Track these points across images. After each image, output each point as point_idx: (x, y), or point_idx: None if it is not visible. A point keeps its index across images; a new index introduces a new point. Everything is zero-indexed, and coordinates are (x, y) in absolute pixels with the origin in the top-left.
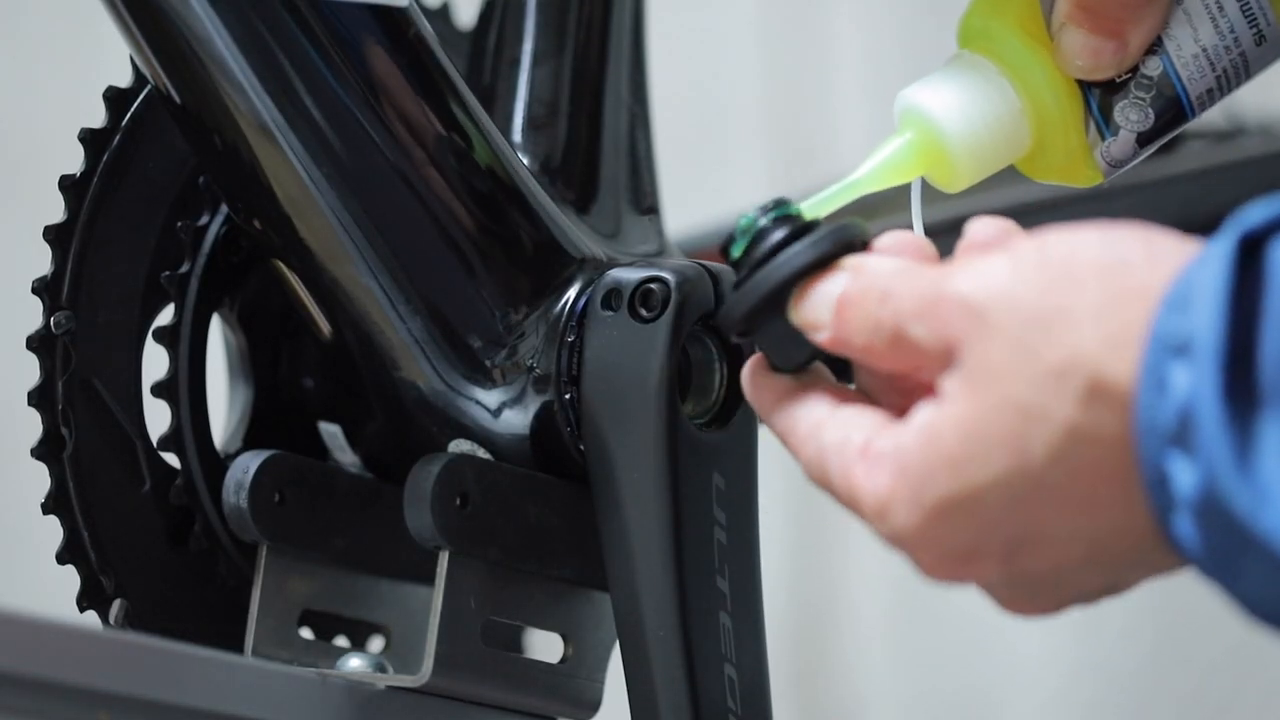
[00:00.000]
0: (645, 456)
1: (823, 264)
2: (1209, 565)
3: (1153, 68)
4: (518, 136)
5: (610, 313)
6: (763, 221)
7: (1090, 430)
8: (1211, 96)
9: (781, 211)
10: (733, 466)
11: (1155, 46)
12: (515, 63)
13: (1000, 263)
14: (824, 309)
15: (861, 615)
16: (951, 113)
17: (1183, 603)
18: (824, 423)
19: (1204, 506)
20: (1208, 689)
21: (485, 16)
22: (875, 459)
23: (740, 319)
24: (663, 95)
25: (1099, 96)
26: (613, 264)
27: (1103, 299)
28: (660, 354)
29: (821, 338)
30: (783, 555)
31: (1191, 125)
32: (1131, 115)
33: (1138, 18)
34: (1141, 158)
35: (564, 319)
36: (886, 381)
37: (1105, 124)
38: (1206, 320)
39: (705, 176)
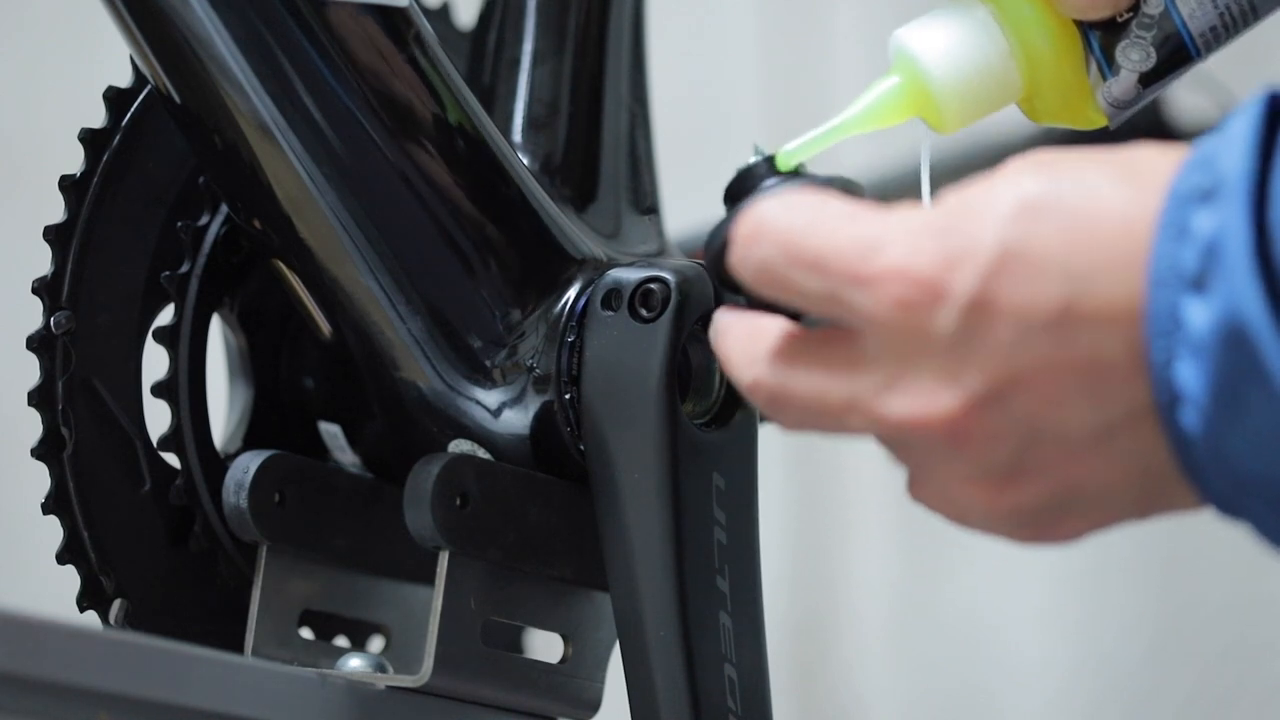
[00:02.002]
0: (645, 456)
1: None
2: (1208, 413)
3: (1154, 5)
4: (518, 136)
5: (610, 313)
6: (750, 162)
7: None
8: (1216, 35)
9: (765, 161)
10: (733, 466)
11: None
12: (515, 63)
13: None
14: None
15: (861, 615)
16: (936, 55)
17: (1183, 602)
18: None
19: (1220, 341)
20: (1208, 688)
21: (485, 16)
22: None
23: (709, 264)
24: (663, 95)
25: (1100, 37)
26: (613, 264)
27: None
28: (660, 354)
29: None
30: (783, 555)
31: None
32: (1133, 55)
33: None
34: (1146, 100)
35: (564, 319)
36: None
37: (1107, 64)
38: (1235, 161)
39: (705, 176)
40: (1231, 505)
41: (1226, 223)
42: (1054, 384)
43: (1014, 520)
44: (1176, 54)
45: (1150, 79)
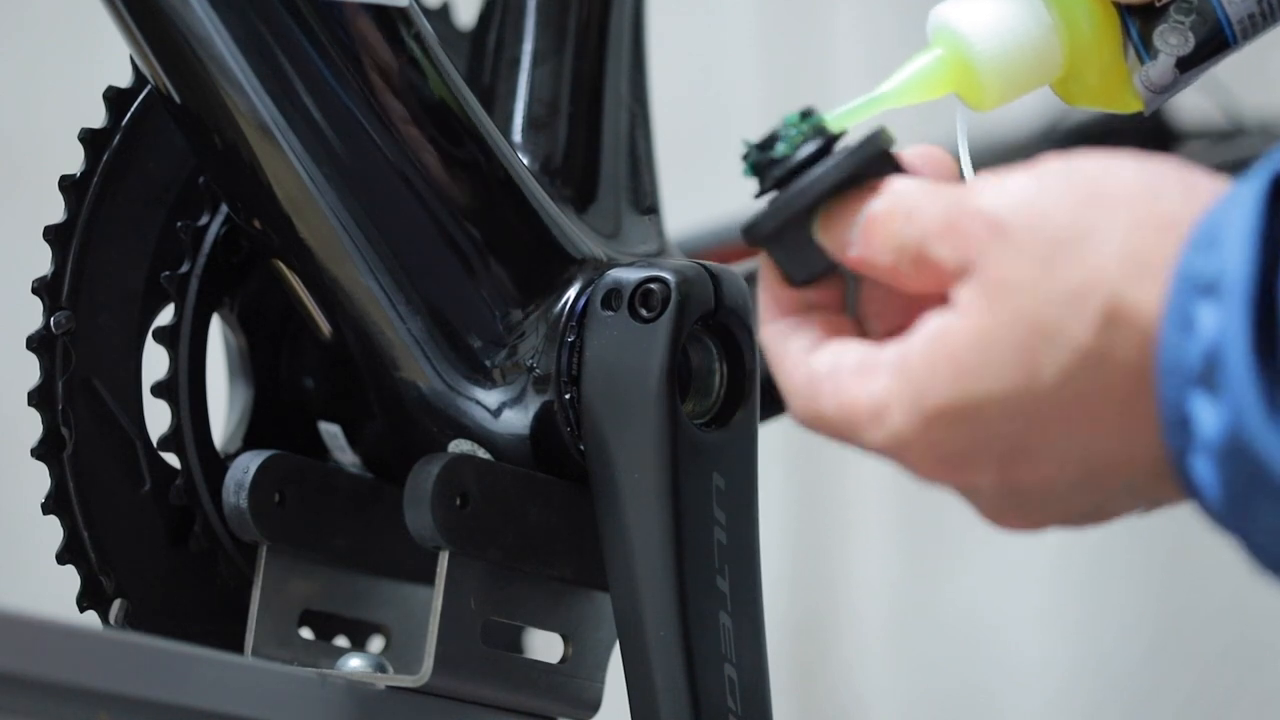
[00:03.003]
0: (645, 456)
1: (852, 182)
2: (1223, 508)
3: None
4: (518, 136)
5: (610, 313)
6: (793, 133)
7: (1104, 354)
8: (1254, 23)
9: (813, 123)
10: (733, 466)
11: None
12: (515, 63)
13: (1025, 179)
14: (851, 228)
15: (861, 615)
16: (981, 29)
17: (1182, 602)
18: (815, 349)
19: (1227, 449)
20: (1208, 689)
21: (485, 16)
22: (873, 368)
23: (767, 235)
24: (663, 95)
25: (1138, 21)
26: (613, 264)
27: (1131, 223)
28: (660, 354)
29: (847, 256)
30: (783, 555)
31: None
32: (1171, 39)
33: None
34: (1183, 86)
35: (564, 319)
36: (894, 309)
37: (1144, 48)
38: (1236, 260)
39: (705, 176)
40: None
41: (1228, 327)
42: (1077, 419)
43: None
44: (1214, 39)
45: (1188, 64)
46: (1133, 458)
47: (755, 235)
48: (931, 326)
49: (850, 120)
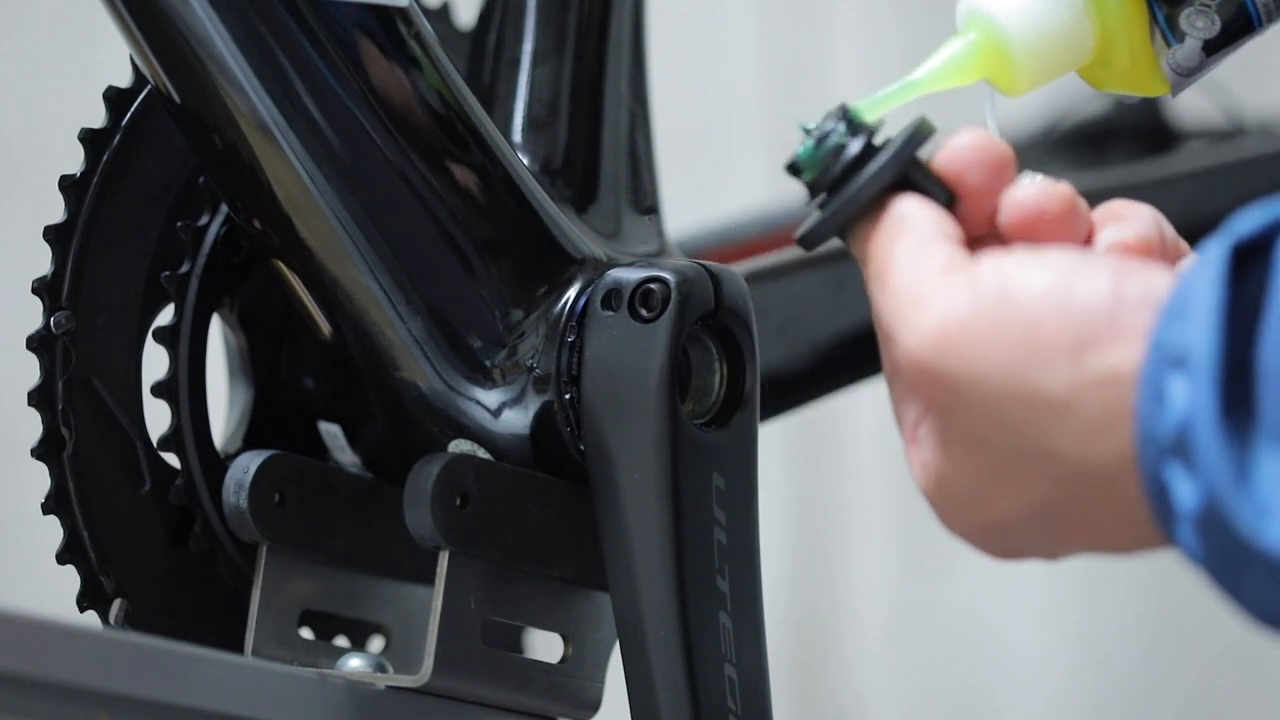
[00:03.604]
0: (645, 456)
1: (896, 188)
2: (1212, 573)
3: None
4: (518, 136)
5: (610, 313)
6: (838, 135)
7: (1079, 486)
8: (1277, 4)
9: (852, 120)
10: (733, 466)
11: None
12: (515, 63)
13: (962, 312)
14: (859, 242)
15: (861, 615)
16: (1014, 13)
17: (1182, 602)
18: None
19: (1204, 519)
20: (1208, 689)
21: (485, 16)
22: (915, 458)
23: (823, 238)
24: (663, 95)
25: (1164, 5)
26: (613, 264)
27: (1072, 389)
28: (660, 354)
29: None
30: (783, 555)
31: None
32: (1198, 22)
33: None
34: (1210, 68)
35: (564, 319)
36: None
37: (1171, 31)
38: (1202, 335)
39: (705, 176)
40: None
41: (1196, 405)
42: (1088, 524)
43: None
44: (1239, 19)
45: (1214, 46)
46: (1144, 532)
47: (812, 243)
48: (926, 460)
49: (883, 108)
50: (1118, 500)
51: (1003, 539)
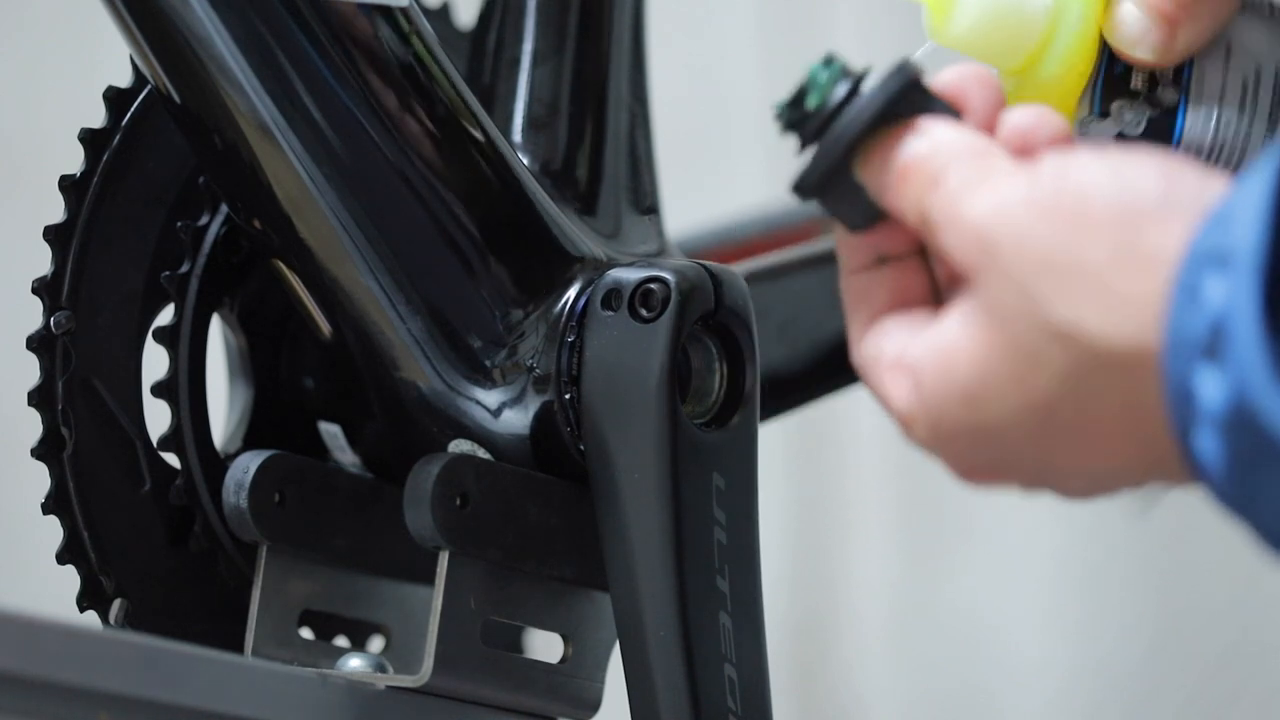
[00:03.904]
0: (645, 456)
1: (885, 119)
2: (1227, 485)
3: (1168, 99)
4: (518, 136)
5: (610, 313)
6: (821, 80)
7: (1090, 379)
8: (1199, 150)
9: (838, 67)
10: (733, 466)
11: (1182, 86)
12: (515, 63)
13: (1017, 192)
14: (887, 172)
15: (861, 615)
16: None
17: (1182, 602)
18: (871, 325)
19: (1231, 419)
20: (1208, 689)
21: (485, 16)
22: (902, 371)
23: (814, 187)
24: (663, 95)
25: (1109, 81)
26: (613, 264)
27: (1111, 260)
28: (660, 354)
29: (885, 200)
30: (783, 555)
31: None
32: (1127, 115)
33: (1194, 15)
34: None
35: (564, 319)
36: None
37: (1099, 103)
38: (1247, 231)
39: (705, 176)
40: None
41: (1235, 299)
42: (1089, 433)
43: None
44: (1161, 138)
45: (1124, 139)
46: (1150, 449)
47: (804, 189)
48: (940, 340)
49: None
50: (1130, 402)
51: (991, 449)
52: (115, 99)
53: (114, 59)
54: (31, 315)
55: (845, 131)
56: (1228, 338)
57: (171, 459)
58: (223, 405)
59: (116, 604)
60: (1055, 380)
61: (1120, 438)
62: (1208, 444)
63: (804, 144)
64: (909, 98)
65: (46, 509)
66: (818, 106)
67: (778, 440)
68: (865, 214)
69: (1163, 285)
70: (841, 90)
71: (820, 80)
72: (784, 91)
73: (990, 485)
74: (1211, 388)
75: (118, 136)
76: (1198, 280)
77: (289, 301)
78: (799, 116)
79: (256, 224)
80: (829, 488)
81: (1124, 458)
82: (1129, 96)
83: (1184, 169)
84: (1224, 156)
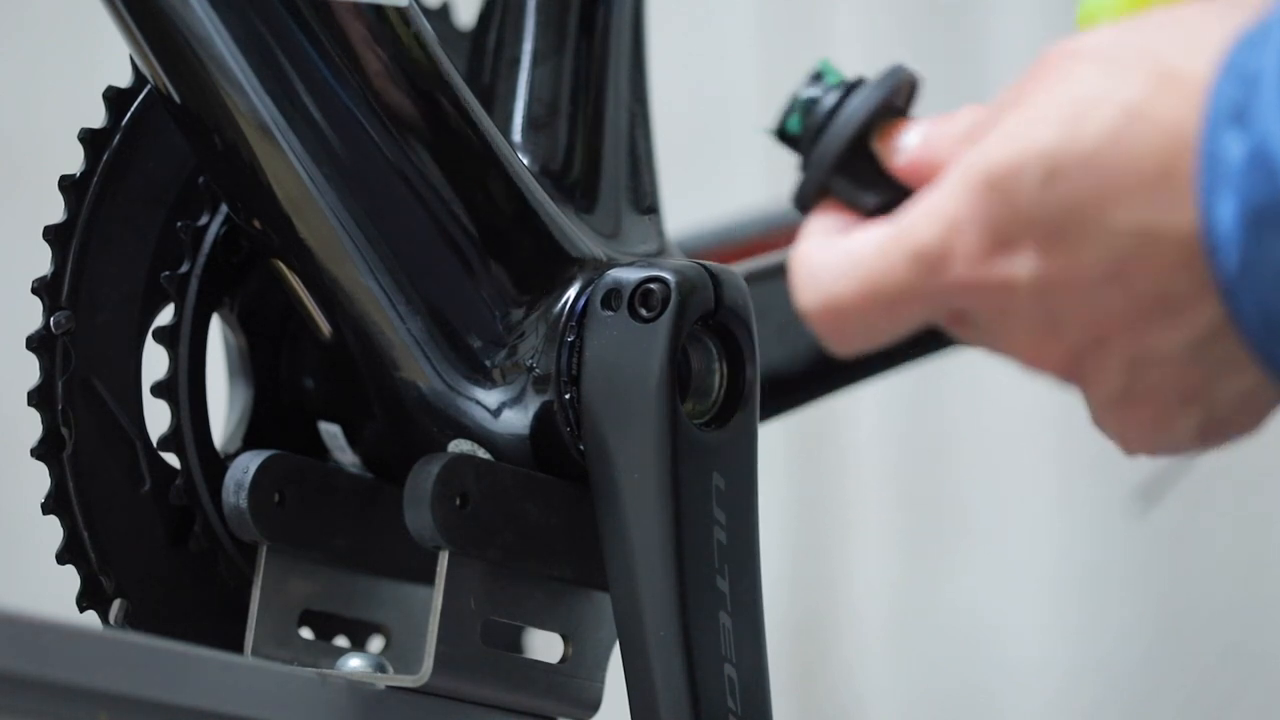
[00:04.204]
0: (645, 456)
1: (893, 107)
2: (1238, 248)
3: None
4: (518, 136)
5: (610, 313)
6: (812, 90)
7: (1149, 112)
8: None
9: (831, 80)
10: (733, 466)
11: None
12: (515, 63)
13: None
14: (912, 134)
15: (861, 615)
16: None
17: (1183, 603)
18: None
19: (1249, 167)
20: (1207, 690)
21: (485, 16)
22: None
23: (824, 174)
24: (663, 95)
25: None
26: (613, 264)
27: (1198, 21)
28: (660, 354)
29: (910, 150)
30: (783, 555)
31: None
32: None
33: None
34: None
35: (564, 319)
36: None
37: None
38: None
39: (705, 176)
40: (1272, 358)
41: (1265, 60)
42: (1134, 327)
43: (1181, 438)
44: None
45: None
46: (1164, 235)
47: (810, 185)
48: (973, 115)
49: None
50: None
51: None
52: (115, 99)
53: (114, 59)
54: (31, 315)
55: (852, 119)
56: (1256, 91)
57: (171, 459)
58: (223, 405)
59: (116, 604)
60: (1111, 108)
61: (1143, 200)
62: (1224, 209)
63: (805, 154)
64: (910, 93)
65: (46, 509)
66: (802, 125)
67: (778, 440)
68: (878, 197)
69: (1213, 68)
70: (834, 96)
71: (813, 91)
72: (782, 100)
73: (996, 277)
74: (1236, 146)
75: (118, 136)
76: (1240, 58)
77: (289, 301)
78: (791, 135)
79: (256, 224)
80: (829, 488)
81: (1140, 225)
82: None
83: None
84: None
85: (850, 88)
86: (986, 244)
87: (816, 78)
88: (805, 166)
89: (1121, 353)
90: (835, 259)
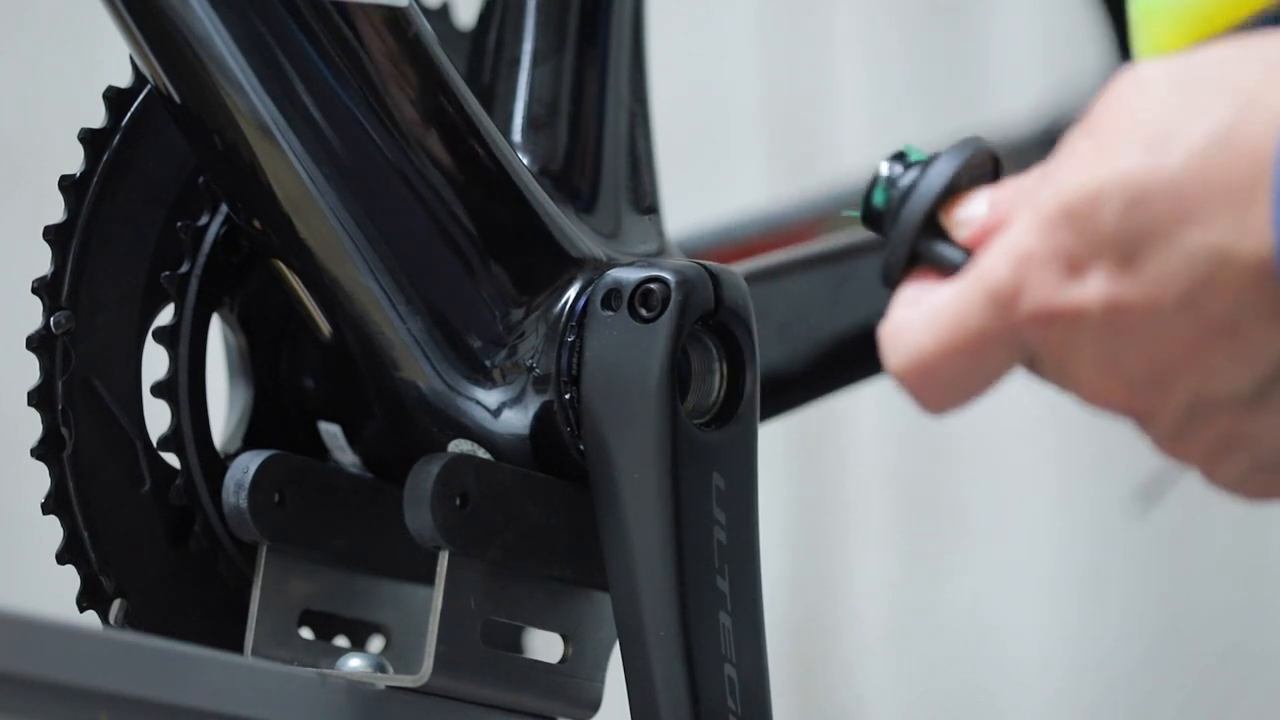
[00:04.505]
0: (645, 456)
1: (965, 175)
2: None
3: None
4: (518, 136)
5: (610, 313)
6: (893, 169)
7: (1234, 136)
8: None
9: (910, 159)
10: (733, 466)
11: None
12: (515, 63)
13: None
14: (978, 203)
15: (861, 615)
16: None
17: (1183, 603)
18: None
19: None
20: (1207, 691)
21: (485, 16)
22: (995, 209)
23: (903, 252)
24: (663, 95)
25: None
26: (613, 264)
27: (1272, 55)
28: (660, 354)
29: (977, 220)
30: (783, 555)
31: None
32: None
33: None
34: None
35: (564, 319)
36: None
37: None
38: None
39: (705, 176)
40: None
41: None
42: (1202, 360)
43: (1226, 479)
44: None
45: None
46: (1238, 256)
47: (889, 274)
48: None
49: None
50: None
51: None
52: (115, 99)
53: (114, 59)
54: (31, 315)
55: (932, 183)
56: None
57: (171, 459)
58: (223, 405)
59: (116, 604)
60: (1197, 131)
61: (1221, 217)
62: None
63: (888, 229)
64: (988, 165)
65: (46, 509)
66: (885, 201)
67: (778, 440)
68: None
69: None
70: (912, 175)
71: (883, 176)
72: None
73: (1066, 303)
74: None
75: (118, 136)
76: None
77: (289, 301)
78: (873, 212)
79: (256, 224)
80: (829, 488)
81: (1214, 246)
82: None
83: None
84: None
85: (928, 165)
86: (1059, 273)
87: (899, 156)
88: (886, 245)
89: (1184, 391)
90: (919, 315)
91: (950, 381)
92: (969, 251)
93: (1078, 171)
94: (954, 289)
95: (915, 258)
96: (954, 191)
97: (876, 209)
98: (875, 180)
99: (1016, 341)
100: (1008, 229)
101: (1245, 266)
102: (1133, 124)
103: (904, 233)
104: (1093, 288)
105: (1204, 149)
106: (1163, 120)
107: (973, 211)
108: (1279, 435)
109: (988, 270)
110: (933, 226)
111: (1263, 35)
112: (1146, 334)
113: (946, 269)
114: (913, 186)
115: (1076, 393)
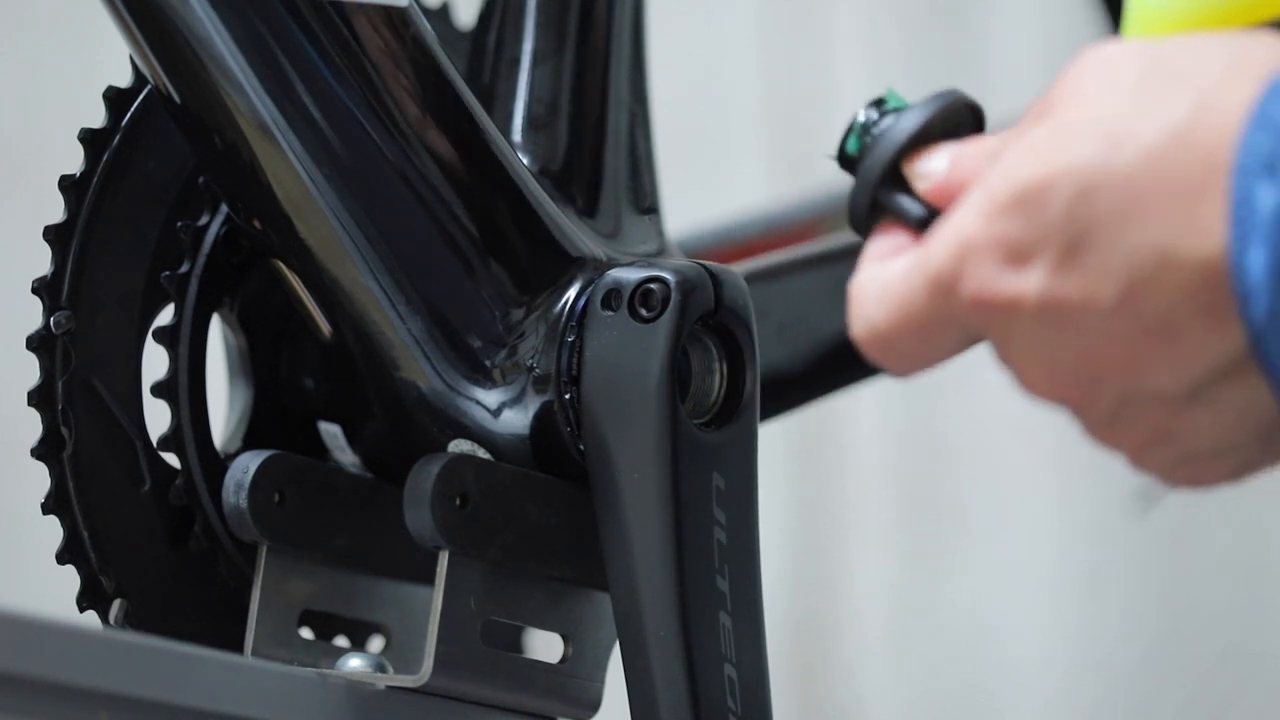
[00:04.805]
0: (645, 456)
1: (936, 127)
2: (1267, 296)
3: None
4: (518, 136)
5: (610, 313)
6: (869, 114)
7: (1190, 137)
8: None
9: (890, 106)
10: (733, 466)
11: None
12: (515, 63)
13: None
14: (940, 157)
15: (861, 615)
16: None
17: (1183, 603)
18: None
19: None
20: (1207, 691)
21: (485, 16)
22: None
23: (866, 197)
24: (663, 95)
25: None
26: (613, 264)
27: (1232, 56)
28: (660, 354)
29: (937, 175)
30: (783, 555)
31: None
32: None
33: None
34: None
35: (564, 319)
36: None
37: None
38: None
39: (705, 176)
40: None
41: None
42: (1136, 360)
43: (1153, 467)
44: None
45: None
46: (1181, 256)
47: (860, 199)
48: (1003, 135)
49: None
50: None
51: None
52: (115, 99)
53: (114, 59)
54: (31, 315)
55: (897, 134)
56: None
57: (171, 459)
58: (223, 405)
59: (116, 604)
60: (1153, 129)
61: (1170, 216)
62: (1256, 258)
63: (859, 173)
64: (964, 117)
65: (46, 509)
66: (858, 147)
67: (778, 440)
68: (925, 220)
69: (1241, 118)
70: (885, 122)
71: (859, 121)
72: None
73: (1002, 292)
74: (1268, 195)
75: (118, 136)
76: (1273, 106)
77: (289, 301)
78: (849, 158)
79: (256, 224)
80: (829, 488)
81: (1159, 242)
82: None
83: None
84: None
85: (902, 113)
86: (1000, 262)
87: (877, 103)
88: (853, 188)
89: (1116, 388)
90: (874, 288)
91: (906, 354)
92: (928, 205)
93: (1030, 159)
94: (903, 268)
95: (879, 207)
96: (923, 142)
97: (849, 154)
98: (852, 125)
99: (959, 325)
100: (956, 208)
101: (1190, 267)
102: (1090, 114)
103: (866, 181)
104: (1032, 280)
105: (1158, 147)
106: (1120, 113)
107: (934, 166)
108: (1210, 432)
109: (931, 254)
110: (897, 177)
111: (1231, 33)
112: (1081, 331)
113: (906, 222)
114: (882, 134)
115: (1013, 378)
